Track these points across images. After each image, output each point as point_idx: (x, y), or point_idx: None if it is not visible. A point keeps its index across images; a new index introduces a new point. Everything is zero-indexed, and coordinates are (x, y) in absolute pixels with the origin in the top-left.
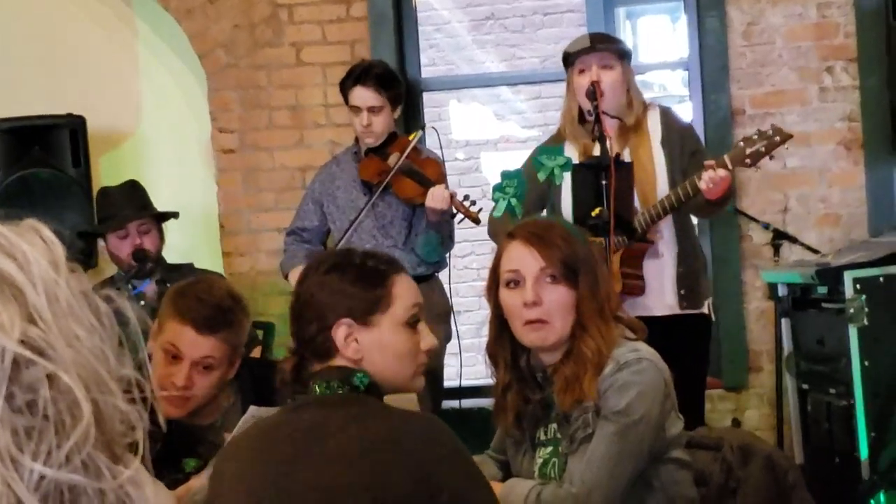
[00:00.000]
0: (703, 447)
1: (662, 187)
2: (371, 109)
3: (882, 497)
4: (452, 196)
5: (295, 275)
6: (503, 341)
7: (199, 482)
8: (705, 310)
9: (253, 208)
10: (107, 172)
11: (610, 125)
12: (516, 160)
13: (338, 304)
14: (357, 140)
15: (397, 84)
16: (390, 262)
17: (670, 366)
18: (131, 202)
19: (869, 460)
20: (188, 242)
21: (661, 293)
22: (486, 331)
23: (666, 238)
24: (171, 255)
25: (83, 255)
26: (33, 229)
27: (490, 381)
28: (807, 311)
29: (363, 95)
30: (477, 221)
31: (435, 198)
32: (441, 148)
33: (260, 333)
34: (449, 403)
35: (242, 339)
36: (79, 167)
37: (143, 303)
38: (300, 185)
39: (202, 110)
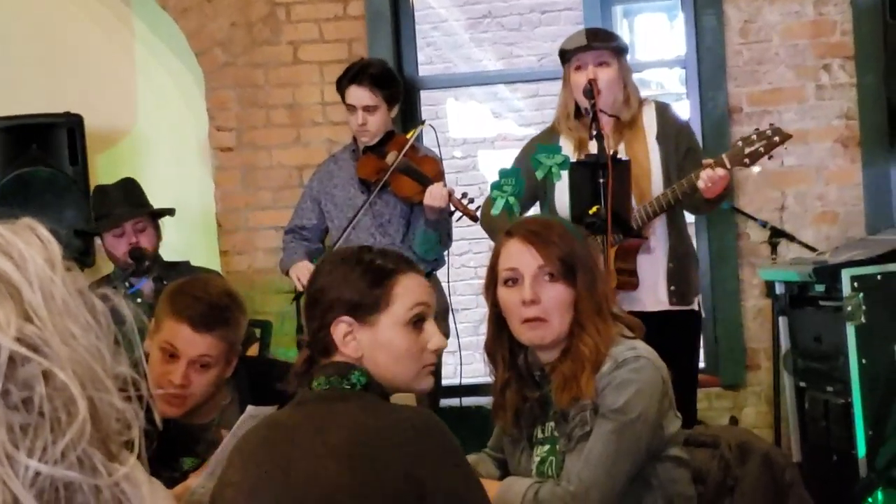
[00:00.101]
0: (701, 445)
1: (657, 183)
2: (366, 108)
3: (879, 494)
4: (451, 194)
5: (296, 269)
6: (501, 339)
7: (197, 481)
8: (695, 306)
9: (250, 206)
10: (104, 171)
11: (606, 122)
12: (513, 158)
13: (340, 302)
14: (355, 138)
15: (394, 83)
16: (400, 260)
17: None
18: (127, 200)
19: (866, 458)
20: (185, 240)
21: (653, 288)
22: (484, 329)
23: (658, 234)
24: (169, 253)
25: (80, 253)
26: (29, 228)
27: (489, 379)
28: (804, 309)
29: (358, 95)
30: (475, 219)
31: (433, 196)
32: (438, 146)
33: (257, 331)
34: (448, 401)
35: (239, 338)
36: (76, 165)
37: (139, 301)
38: (298, 184)
39: (200, 108)
